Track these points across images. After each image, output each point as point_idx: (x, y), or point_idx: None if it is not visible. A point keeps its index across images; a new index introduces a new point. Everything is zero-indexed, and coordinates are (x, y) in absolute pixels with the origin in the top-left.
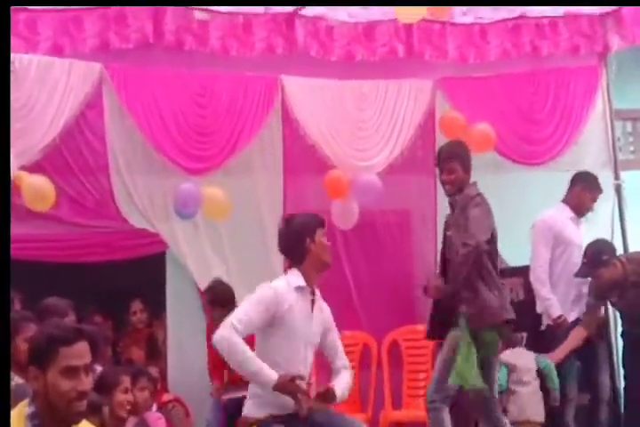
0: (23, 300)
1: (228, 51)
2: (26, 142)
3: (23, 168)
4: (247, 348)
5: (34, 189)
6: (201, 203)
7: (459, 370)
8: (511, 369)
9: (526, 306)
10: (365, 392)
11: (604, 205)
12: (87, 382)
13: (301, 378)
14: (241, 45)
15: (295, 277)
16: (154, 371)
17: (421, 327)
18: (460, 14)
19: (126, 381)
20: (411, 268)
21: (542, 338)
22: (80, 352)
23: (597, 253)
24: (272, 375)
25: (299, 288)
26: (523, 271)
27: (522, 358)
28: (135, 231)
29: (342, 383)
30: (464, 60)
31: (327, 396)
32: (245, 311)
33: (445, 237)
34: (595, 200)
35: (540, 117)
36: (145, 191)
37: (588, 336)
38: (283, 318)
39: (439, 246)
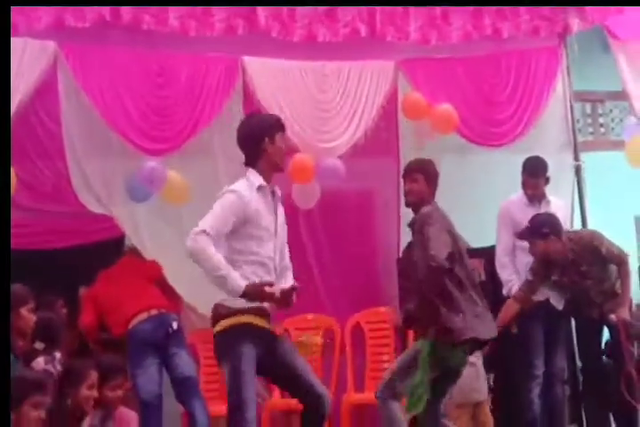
0: None
1: (188, 31)
2: None
3: None
4: (218, 255)
5: None
6: (164, 182)
7: (411, 391)
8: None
9: (487, 287)
10: (328, 375)
11: (565, 186)
12: None
13: (270, 284)
14: (200, 26)
15: (254, 177)
16: (121, 360)
17: (384, 310)
18: None
19: (94, 376)
20: (373, 249)
21: None
22: None
23: (539, 224)
24: (240, 282)
25: (260, 188)
26: (484, 252)
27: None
28: (93, 216)
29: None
30: (426, 41)
31: (289, 297)
32: (214, 217)
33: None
34: (536, 186)
35: (500, 99)
36: (102, 175)
37: (523, 311)
38: (251, 220)
39: (402, 228)
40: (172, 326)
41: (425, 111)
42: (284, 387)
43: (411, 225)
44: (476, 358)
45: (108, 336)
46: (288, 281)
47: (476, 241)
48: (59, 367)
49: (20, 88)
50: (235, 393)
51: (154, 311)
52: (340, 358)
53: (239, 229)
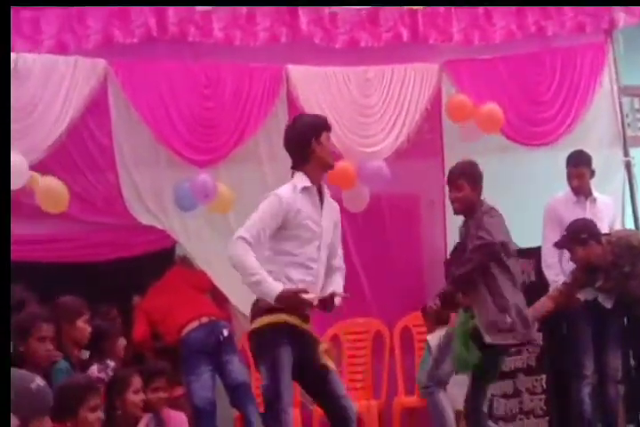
0: (38, 300)
1: (232, 41)
2: (31, 141)
3: (30, 167)
4: (253, 260)
5: (47, 191)
6: (215, 195)
7: (458, 355)
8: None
9: (536, 288)
10: (378, 379)
11: (614, 183)
12: None
13: (305, 291)
14: (245, 35)
15: (300, 179)
16: (167, 365)
17: None
18: None
19: (137, 381)
20: (420, 253)
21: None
22: None
23: (577, 230)
24: (274, 287)
25: (305, 189)
26: (532, 253)
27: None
28: (144, 227)
29: (338, 288)
30: (469, 42)
31: (328, 303)
32: (253, 223)
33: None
34: (581, 176)
35: (545, 98)
36: (152, 186)
37: (557, 310)
38: (293, 222)
39: (448, 230)
40: (222, 334)
41: (470, 112)
42: (312, 394)
43: (461, 228)
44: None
45: (161, 344)
46: (336, 282)
47: (522, 241)
48: (111, 375)
49: (72, 105)
50: (272, 395)
51: (204, 319)
52: (390, 361)
53: (281, 231)
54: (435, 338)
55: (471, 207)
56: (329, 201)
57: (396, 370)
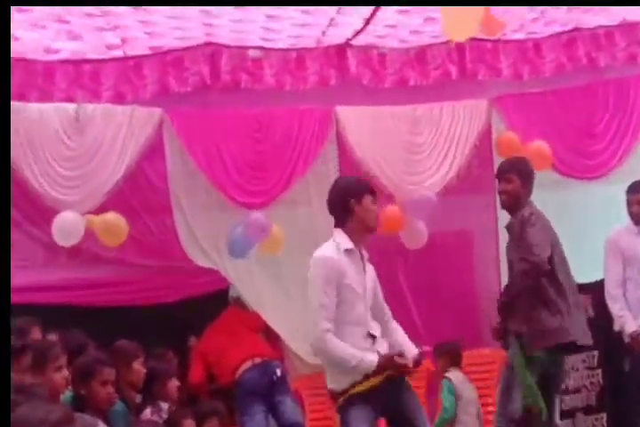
0: (96, 344)
1: (283, 86)
2: (90, 187)
3: (89, 212)
4: (342, 346)
5: (107, 225)
6: (269, 232)
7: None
8: (458, 397)
9: (596, 323)
10: (432, 418)
11: None
12: None
13: (400, 354)
14: (295, 80)
15: (342, 240)
16: (221, 406)
17: (487, 351)
18: (512, 31)
19: (189, 424)
20: (473, 290)
21: (615, 355)
22: None
23: None
24: (372, 361)
25: (348, 251)
26: (590, 288)
27: (465, 390)
28: (198, 269)
29: (409, 344)
30: (518, 77)
31: (419, 362)
32: (319, 300)
33: (508, 261)
34: (635, 203)
35: (597, 130)
36: (207, 229)
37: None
38: (341, 284)
39: (502, 267)
40: (276, 374)
41: (519, 149)
42: None
43: (508, 228)
44: (475, 409)
45: (216, 386)
46: (407, 344)
47: (580, 276)
48: (165, 417)
49: (130, 152)
50: None
51: (257, 360)
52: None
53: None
54: (456, 377)
55: (518, 203)
56: (368, 264)
57: None
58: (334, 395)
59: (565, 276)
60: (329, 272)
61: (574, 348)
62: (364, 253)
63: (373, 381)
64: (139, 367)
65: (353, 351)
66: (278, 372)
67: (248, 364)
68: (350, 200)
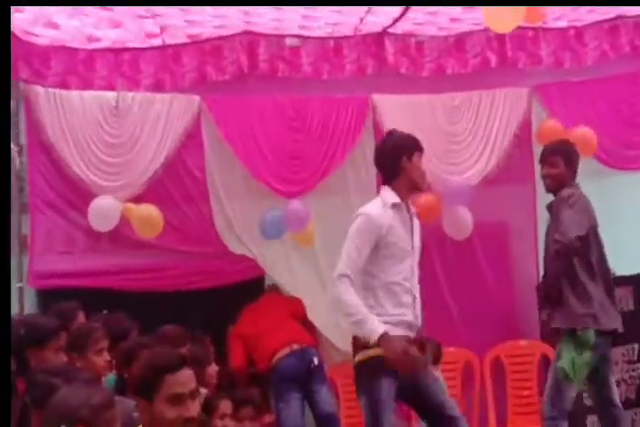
0: (139, 328)
1: (320, 74)
2: (130, 175)
3: (128, 200)
4: (355, 299)
5: (142, 217)
6: (309, 222)
7: (565, 369)
8: None
9: (635, 316)
10: (469, 410)
11: None
12: (193, 409)
13: (408, 339)
14: (332, 68)
15: (389, 195)
16: (257, 393)
17: (524, 343)
18: (553, 19)
19: (227, 407)
20: (511, 282)
21: None
22: (185, 379)
23: None
24: (377, 328)
25: (394, 205)
26: (631, 280)
27: None
28: (236, 257)
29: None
30: (560, 65)
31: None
32: (350, 253)
33: (545, 243)
34: None
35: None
36: (243, 217)
37: None
38: (386, 239)
39: (540, 258)
40: (313, 362)
41: (562, 137)
42: (420, 412)
43: (549, 208)
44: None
45: (254, 371)
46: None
47: (620, 268)
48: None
49: (169, 140)
50: (372, 423)
51: (295, 346)
52: (481, 393)
53: (375, 252)
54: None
55: (562, 186)
56: (416, 220)
57: (487, 402)
58: (357, 345)
59: (598, 260)
60: (368, 228)
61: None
62: (412, 208)
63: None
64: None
65: (361, 307)
66: (315, 360)
67: (286, 350)
68: (402, 157)
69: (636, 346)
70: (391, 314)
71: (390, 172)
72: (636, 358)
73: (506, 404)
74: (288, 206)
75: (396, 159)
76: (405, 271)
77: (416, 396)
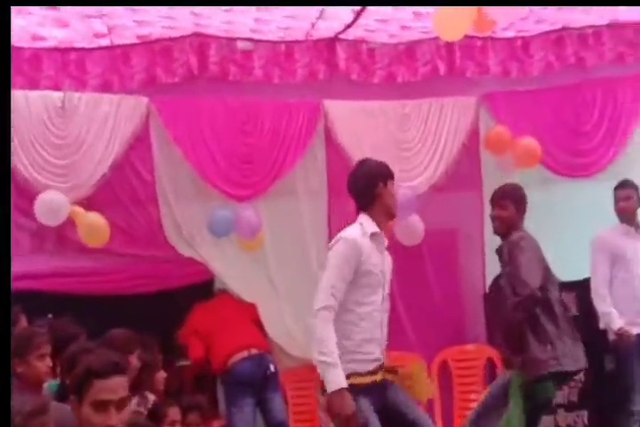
0: (89, 332)
1: (271, 78)
2: (78, 177)
3: (76, 202)
4: (333, 337)
5: (89, 226)
6: (259, 232)
7: (507, 420)
8: None
9: (581, 321)
10: None
11: None
12: (117, 418)
13: (364, 418)
14: (283, 72)
15: (368, 224)
16: (204, 399)
17: (470, 347)
18: (501, 29)
19: (175, 413)
20: (458, 287)
21: (597, 354)
22: (114, 386)
23: None
24: (340, 382)
25: (373, 235)
26: (574, 286)
27: None
28: (184, 260)
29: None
30: (507, 74)
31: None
32: (332, 281)
33: (499, 285)
34: (627, 198)
35: (586, 129)
36: (192, 220)
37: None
38: (365, 266)
39: (487, 265)
40: (269, 368)
41: (508, 145)
42: None
43: (498, 252)
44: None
45: (207, 372)
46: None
47: (565, 274)
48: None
49: (117, 142)
50: None
51: (254, 351)
52: None
53: (354, 279)
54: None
55: (511, 228)
56: (387, 253)
57: (433, 405)
58: None
59: (557, 302)
60: (350, 253)
61: (566, 376)
62: (385, 238)
63: (358, 379)
64: (135, 361)
65: (334, 350)
66: (272, 367)
67: (244, 354)
68: (378, 184)
69: None
70: (359, 352)
71: (367, 199)
72: None
73: (452, 407)
74: (240, 213)
75: (373, 187)
76: (377, 302)
77: (388, 416)
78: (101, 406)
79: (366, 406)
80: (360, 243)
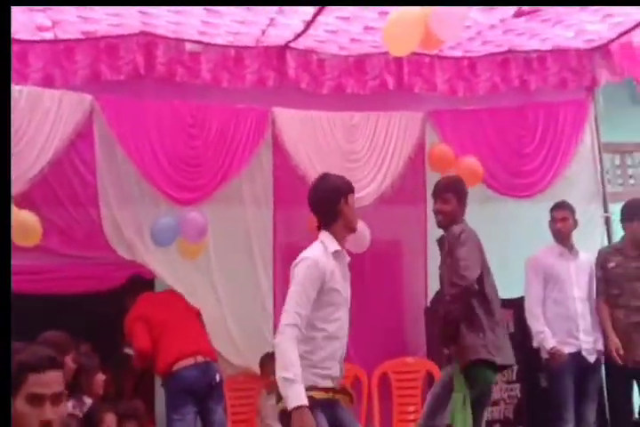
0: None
1: (220, 82)
2: (14, 170)
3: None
4: (296, 355)
5: (20, 225)
6: (205, 235)
7: (452, 411)
8: None
9: (517, 338)
10: None
11: (594, 237)
12: (52, 412)
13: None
14: (232, 77)
15: (330, 242)
16: (142, 406)
17: (411, 360)
18: (449, 48)
19: (111, 420)
20: (401, 299)
21: (532, 371)
22: (49, 381)
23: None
24: (301, 399)
25: (335, 253)
26: (512, 303)
27: None
28: (122, 262)
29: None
30: (454, 92)
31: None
32: (297, 300)
33: (440, 276)
34: (563, 219)
35: (527, 151)
36: (133, 222)
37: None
38: (329, 284)
39: (429, 278)
40: (215, 378)
41: (451, 163)
42: None
43: (439, 242)
44: None
45: (148, 369)
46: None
47: (502, 292)
48: (86, 412)
49: (57, 138)
50: None
51: (200, 358)
52: (368, 407)
53: (317, 297)
54: None
55: (453, 222)
56: (347, 270)
57: (373, 416)
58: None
59: (494, 294)
60: (313, 273)
61: (495, 369)
62: (346, 255)
63: (315, 393)
64: (71, 364)
65: (296, 367)
66: (217, 377)
67: (190, 360)
68: (340, 200)
69: (514, 367)
70: (322, 367)
71: (329, 217)
72: (514, 378)
73: (391, 419)
74: (185, 215)
75: (335, 203)
76: (341, 320)
77: None
78: (36, 399)
79: (324, 421)
80: (323, 262)
